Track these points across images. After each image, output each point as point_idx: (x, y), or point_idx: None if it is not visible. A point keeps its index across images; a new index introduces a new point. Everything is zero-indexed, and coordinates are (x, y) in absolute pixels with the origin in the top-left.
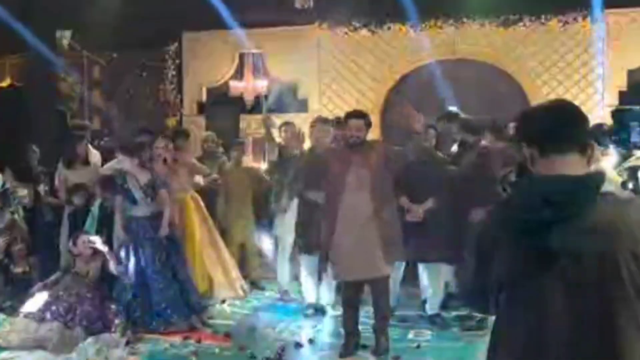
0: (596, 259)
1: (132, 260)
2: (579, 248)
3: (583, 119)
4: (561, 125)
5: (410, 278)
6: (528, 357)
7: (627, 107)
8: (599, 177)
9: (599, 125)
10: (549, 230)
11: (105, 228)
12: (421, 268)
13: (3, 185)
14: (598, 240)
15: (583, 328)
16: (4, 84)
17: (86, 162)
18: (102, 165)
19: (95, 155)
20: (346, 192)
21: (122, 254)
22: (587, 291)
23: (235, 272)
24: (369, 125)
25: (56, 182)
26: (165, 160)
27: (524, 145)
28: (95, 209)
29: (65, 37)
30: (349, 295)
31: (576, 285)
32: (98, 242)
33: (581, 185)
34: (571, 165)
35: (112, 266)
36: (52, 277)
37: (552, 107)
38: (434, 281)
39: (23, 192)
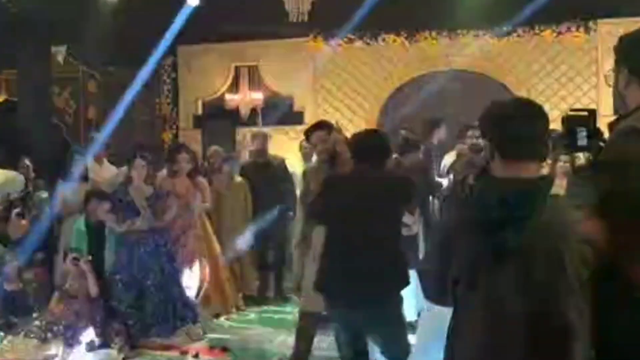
0: (546, 257)
1: (130, 272)
2: (530, 246)
3: (547, 123)
4: (525, 129)
5: None
6: (482, 351)
7: (576, 112)
8: (550, 180)
9: (551, 131)
10: (504, 230)
11: (95, 243)
12: None
13: (26, 188)
14: (548, 238)
15: (534, 324)
16: (0, 98)
17: (85, 178)
18: None
19: (106, 169)
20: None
21: (120, 266)
22: (537, 287)
23: (229, 288)
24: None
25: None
26: (190, 174)
27: (486, 141)
28: (80, 223)
29: (60, 51)
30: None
31: (527, 281)
32: (82, 260)
33: (535, 188)
34: (528, 168)
35: (91, 287)
36: (56, 294)
37: (520, 107)
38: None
39: (45, 194)
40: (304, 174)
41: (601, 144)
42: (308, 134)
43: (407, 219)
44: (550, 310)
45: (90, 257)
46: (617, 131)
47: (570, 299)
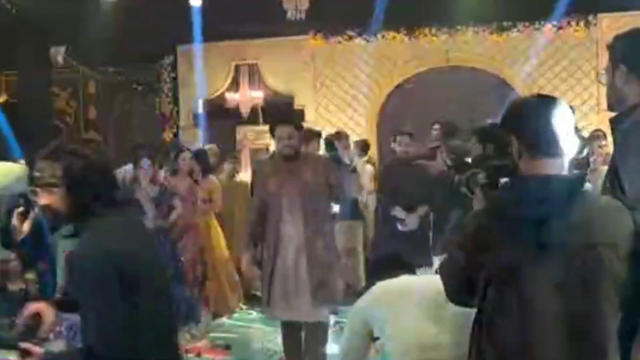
0: (585, 254)
1: None
2: (570, 244)
3: (572, 119)
4: (555, 126)
5: None
6: (518, 351)
7: None
8: (583, 176)
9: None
10: (544, 228)
11: None
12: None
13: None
14: (587, 235)
15: (572, 323)
16: (0, 99)
17: None
18: None
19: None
20: (283, 212)
21: None
22: (577, 285)
23: (231, 287)
24: (299, 129)
25: None
26: (191, 173)
27: (512, 140)
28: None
29: (59, 52)
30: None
31: (566, 279)
32: None
33: (572, 185)
34: (558, 165)
35: None
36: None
37: (546, 104)
38: None
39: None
40: (254, 169)
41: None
42: (273, 126)
43: (400, 213)
44: (589, 309)
45: None
46: (633, 123)
47: (608, 297)
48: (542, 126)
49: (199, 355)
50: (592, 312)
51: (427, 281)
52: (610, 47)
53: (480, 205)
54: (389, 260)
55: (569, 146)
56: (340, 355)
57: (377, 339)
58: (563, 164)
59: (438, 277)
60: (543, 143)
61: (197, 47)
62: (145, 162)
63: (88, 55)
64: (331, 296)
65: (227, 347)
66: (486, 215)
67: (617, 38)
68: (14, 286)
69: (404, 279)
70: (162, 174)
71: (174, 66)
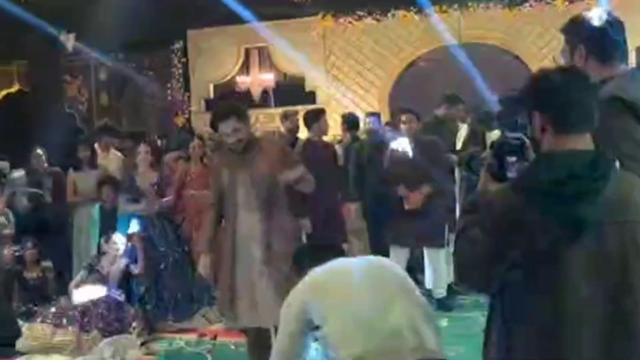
0: (621, 232)
1: (143, 256)
2: (604, 222)
3: (596, 92)
4: (581, 99)
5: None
6: (549, 336)
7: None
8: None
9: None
10: (578, 206)
11: (109, 229)
12: (425, 255)
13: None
14: (621, 213)
15: (607, 303)
16: (13, 89)
17: (93, 164)
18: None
19: (114, 157)
20: (239, 208)
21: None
22: (612, 263)
23: None
24: (243, 119)
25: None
26: (202, 159)
27: (536, 115)
28: (95, 211)
29: (69, 40)
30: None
31: (601, 260)
32: (135, 237)
33: (603, 160)
34: (584, 140)
35: (138, 267)
36: (78, 278)
37: (572, 76)
38: (438, 265)
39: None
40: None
41: None
42: (214, 123)
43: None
44: (626, 287)
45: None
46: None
47: None
48: (570, 100)
49: (214, 338)
50: (629, 290)
51: (359, 260)
52: (568, 30)
53: (485, 185)
54: (325, 247)
55: (595, 121)
56: (277, 346)
57: (317, 327)
58: (590, 139)
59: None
60: (571, 117)
61: (207, 32)
62: (143, 148)
63: (98, 42)
64: None
65: (243, 330)
66: (515, 194)
67: (574, 21)
68: (31, 274)
69: (337, 261)
70: (171, 156)
71: (184, 51)
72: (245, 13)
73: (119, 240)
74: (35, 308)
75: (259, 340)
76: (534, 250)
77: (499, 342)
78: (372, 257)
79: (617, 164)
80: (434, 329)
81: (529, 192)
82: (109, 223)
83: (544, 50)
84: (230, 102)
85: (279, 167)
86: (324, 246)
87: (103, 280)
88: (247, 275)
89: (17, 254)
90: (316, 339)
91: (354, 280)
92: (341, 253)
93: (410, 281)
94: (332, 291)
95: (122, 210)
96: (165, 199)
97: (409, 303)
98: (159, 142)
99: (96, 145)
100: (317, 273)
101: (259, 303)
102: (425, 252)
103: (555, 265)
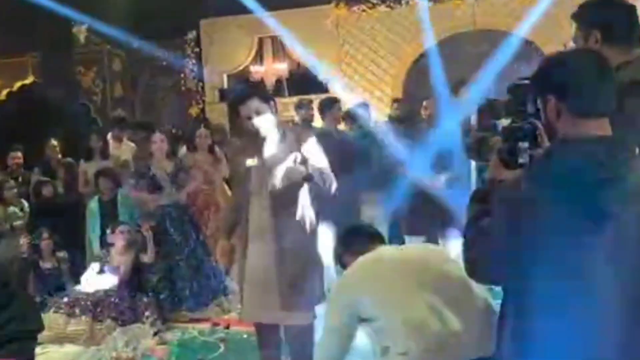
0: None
1: (158, 247)
2: (626, 210)
3: (613, 75)
4: (600, 81)
5: None
6: (570, 330)
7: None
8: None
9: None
10: (599, 194)
11: (110, 220)
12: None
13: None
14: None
15: (627, 293)
16: (28, 81)
17: (105, 154)
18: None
19: (126, 147)
20: (253, 197)
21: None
22: (634, 253)
23: None
24: (265, 101)
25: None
26: (210, 149)
27: (550, 99)
28: (94, 204)
29: (82, 31)
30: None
31: (622, 249)
32: (143, 227)
33: (622, 146)
34: (602, 125)
35: (147, 255)
36: (89, 269)
37: (589, 59)
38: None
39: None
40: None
41: None
42: (235, 105)
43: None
44: None
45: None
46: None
47: None
48: (588, 82)
49: (227, 327)
50: None
51: (404, 250)
52: (580, 16)
53: (495, 172)
54: (359, 231)
55: (613, 105)
56: (322, 341)
57: (365, 320)
58: (608, 123)
59: (418, 244)
60: (589, 101)
61: (220, 21)
62: (158, 137)
63: (111, 32)
64: (307, 296)
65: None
66: (531, 183)
67: (586, 6)
68: (46, 264)
69: (384, 250)
70: (184, 150)
71: (197, 41)
72: (258, 2)
73: (125, 230)
74: (50, 298)
75: (268, 337)
76: (552, 241)
77: (513, 335)
78: (421, 246)
79: (638, 150)
80: (487, 324)
81: (546, 180)
82: (109, 214)
83: (560, 36)
84: (251, 84)
85: (297, 161)
86: (365, 234)
87: (114, 270)
88: (257, 270)
89: (34, 242)
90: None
91: (404, 272)
92: (382, 241)
93: (457, 276)
94: (382, 282)
95: (138, 200)
96: (187, 189)
97: (463, 297)
98: (173, 131)
99: (109, 136)
100: (364, 263)
101: (267, 299)
102: (442, 242)
103: (575, 255)
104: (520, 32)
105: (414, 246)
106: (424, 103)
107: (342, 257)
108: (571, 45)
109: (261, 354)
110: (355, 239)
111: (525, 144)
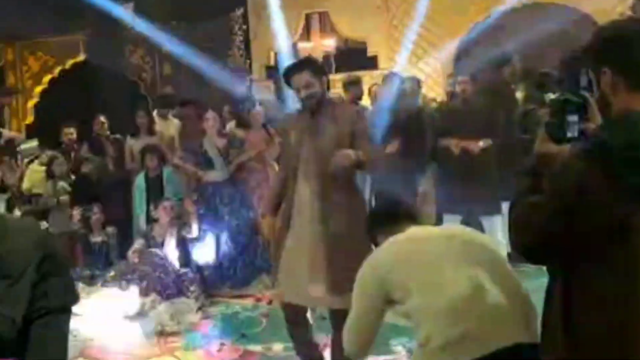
0: None
1: (206, 224)
2: None
3: None
4: None
5: None
6: (627, 315)
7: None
8: None
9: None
10: None
11: (153, 199)
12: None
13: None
14: None
15: None
16: (79, 59)
17: (151, 131)
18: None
19: (171, 124)
20: (299, 176)
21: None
22: None
23: None
24: (318, 74)
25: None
26: (264, 126)
27: (606, 72)
28: (141, 180)
29: (128, 9)
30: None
31: None
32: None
33: None
34: None
35: (192, 231)
36: (135, 246)
37: None
38: (494, 234)
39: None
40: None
41: None
42: (287, 76)
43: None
44: None
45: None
46: None
47: None
48: None
49: (270, 303)
50: None
51: (440, 230)
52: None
53: (543, 146)
54: (393, 209)
55: None
56: (351, 323)
57: (396, 302)
58: None
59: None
60: None
61: None
62: (211, 114)
63: (158, 11)
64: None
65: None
66: (584, 160)
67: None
68: (96, 238)
69: (418, 229)
70: (232, 125)
71: (245, 18)
72: None
73: (169, 205)
74: (98, 272)
75: (296, 319)
76: (605, 222)
77: (565, 325)
78: (456, 226)
79: None
80: (525, 309)
81: (601, 157)
82: (155, 190)
83: (617, 7)
84: (305, 56)
85: (346, 141)
86: (398, 212)
87: (159, 245)
88: (296, 251)
89: (86, 214)
90: None
91: (439, 252)
92: (414, 220)
93: (500, 254)
94: (415, 262)
95: (185, 176)
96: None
97: (500, 280)
98: (226, 109)
99: (154, 113)
100: (396, 242)
101: (300, 282)
102: (480, 220)
103: (630, 238)
104: (575, 4)
105: (449, 225)
106: (459, 78)
107: (376, 237)
108: (627, 14)
109: (294, 332)
110: (388, 219)
111: (575, 117)
